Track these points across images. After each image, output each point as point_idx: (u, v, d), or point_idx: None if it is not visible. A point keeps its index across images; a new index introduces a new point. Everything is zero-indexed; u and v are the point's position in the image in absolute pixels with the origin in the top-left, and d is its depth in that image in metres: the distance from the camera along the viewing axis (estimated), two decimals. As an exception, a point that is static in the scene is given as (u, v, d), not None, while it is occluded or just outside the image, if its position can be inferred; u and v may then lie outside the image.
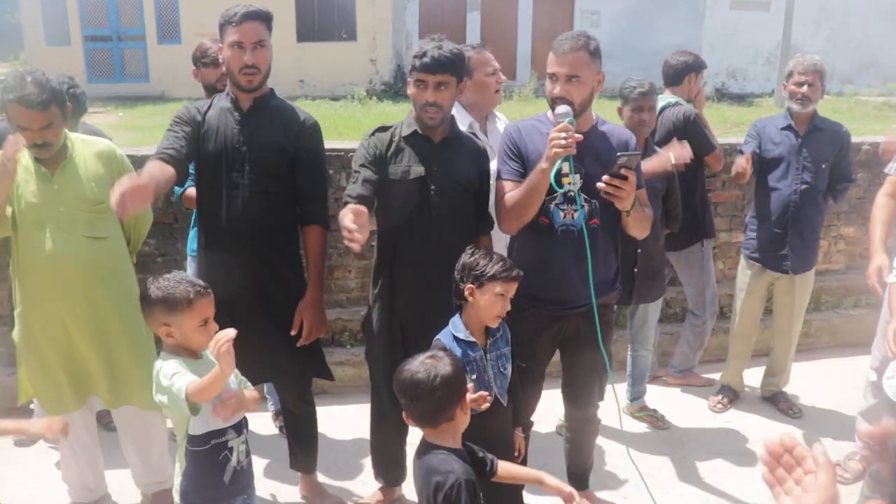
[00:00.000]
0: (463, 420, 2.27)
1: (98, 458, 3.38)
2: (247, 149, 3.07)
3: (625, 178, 2.72)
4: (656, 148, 3.94)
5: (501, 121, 3.72)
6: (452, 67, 2.91)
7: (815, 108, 4.19)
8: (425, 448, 2.26)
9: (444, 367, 2.20)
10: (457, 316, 2.69)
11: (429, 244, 3.00)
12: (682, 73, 4.53)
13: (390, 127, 3.12)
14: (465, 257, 2.67)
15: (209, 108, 3.16)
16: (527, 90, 17.64)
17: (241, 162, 3.07)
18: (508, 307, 2.66)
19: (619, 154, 2.76)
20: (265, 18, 3.07)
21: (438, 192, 2.99)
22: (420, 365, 2.21)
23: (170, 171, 2.91)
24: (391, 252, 3.10)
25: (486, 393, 2.54)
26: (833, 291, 5.76)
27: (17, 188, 2.97)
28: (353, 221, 2.53)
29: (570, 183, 2.80)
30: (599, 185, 2.75)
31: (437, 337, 2.67)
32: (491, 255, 2.66)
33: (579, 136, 2.73)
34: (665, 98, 4.44)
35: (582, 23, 21.80)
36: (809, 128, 4.16)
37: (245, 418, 2.58)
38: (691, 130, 4.21)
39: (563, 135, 2.68)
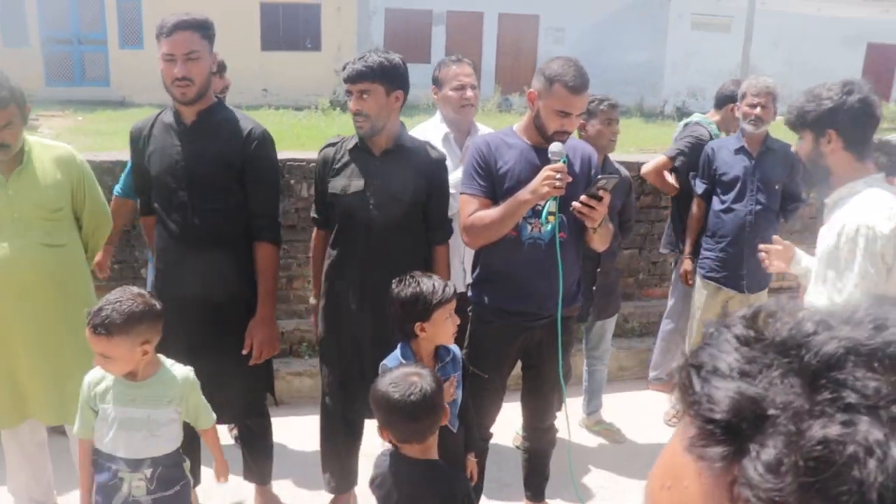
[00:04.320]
0: (434, 441, 2.26)
1: (45, 469, 3.30)
2: (191, 165, 3.00)
3: (600, 198, 2.76)
4: (616, 164, 3.99)
5: (482, 132, 3.72)
6: (372, 75, 2.91)
7: (766, 130, 4.28)
8: (410, 463, 2.23)
9: (429, 383, 2.17)
10: (404, 344, 2.61)
11: (370, 257, 3.01)
12: (722, 100, 4.64)
13: (339, 141, 3.14)
14: (399, 294, 2.54)
15: (153, 126, 3.09)
16: (490, 104, 17.78)
17: (186, 179, 3.00)
18: (458, 320, 2.65)
19: (599, 177, 2.81)
20: (199, 27, 2.94)
21: (378, 206, 2.98)
22: (408, 385, 2.15)
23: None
24: (336, 264, 3.11)
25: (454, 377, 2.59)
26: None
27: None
28: None
29: (553, 221, 2.84)
30: (575, 204, 2.78)
31: (384, 363, 2.61)
32: (419, 280, 2.55)
33: (570, 178, 2.77)
34: (696, 116, 4.60)
35: (546, 39, 22.10)
36: (762, 149, 4.25)
37: (160, 467, 2.51)
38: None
39: (559, 175, 2.71)
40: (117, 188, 3.87)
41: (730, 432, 0.51)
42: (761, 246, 3.02)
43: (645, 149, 11.80)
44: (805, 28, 22.42)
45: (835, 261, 2.53)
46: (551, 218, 2.85)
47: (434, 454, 2.25)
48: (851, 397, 0.49)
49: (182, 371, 2.55)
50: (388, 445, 2.34)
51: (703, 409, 0.53)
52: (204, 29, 2.96)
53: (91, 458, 2.57)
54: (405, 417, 2.16)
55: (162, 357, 2.57)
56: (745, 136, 4.26)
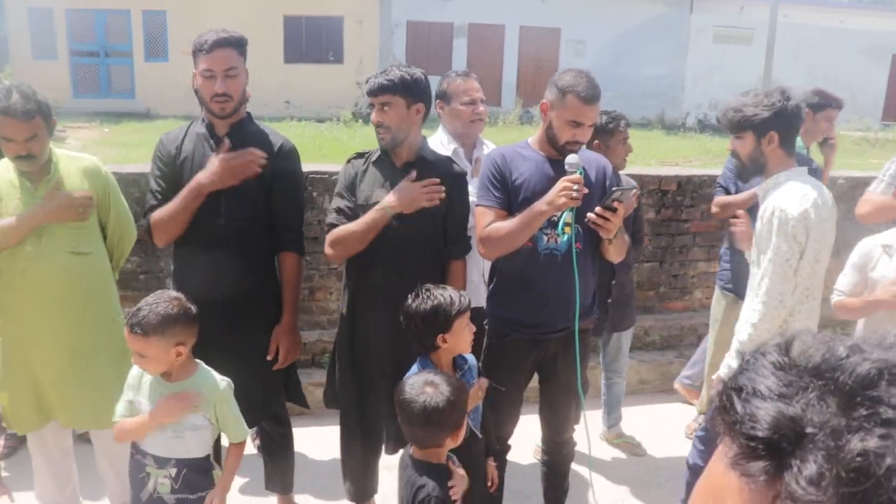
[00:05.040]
0: (450, 446, 2.31)
1: (70, 476, 3.34)
2: None
3: (615, 210, 2.78)
4: (623, 177, 3.99)
5: (488, 147, 3.74)
6: (393, 88, 2.96)
7: None
8: (411, 462, 2.30)
9: (439, 400, 2.19)
10: (424, 358, 2.63)
11: (388, 267, 3.03)
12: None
13: (366, 153, 3.19)
14: (418, 308, 2.55)
15: (185, 136, 3.16)
16: (511, 117, 17.85)
17: (217, 190, 3.06)
18: (474, 328, 2.67)
19: (614, 189, 2.83)
20: (237, 45, 3.03)
21: (398, 218, 3.01)
22: (419, 393, 2.20)
23: None
24: (355, 274, 3.14)
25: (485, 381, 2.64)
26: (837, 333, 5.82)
27: (1, 201, 2.97)
28: None
29: (569, 232, 2.86)
30: (590, 215, 2.80)
31: (405, 378, 2.62)
32: (434, 293, 2.57)
33: (586, 190, 2.79)
34: None
35: (567, 52, 22.12)
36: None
37: (185, 468, 2.55)
38: None
39: (576, 186, 2.74)
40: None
41: (771, 449, 0.54)
42: (732, 229, 3.37)
43: (666, 161, 11.78)
44: (827, 40, 22.30)
45: (759, 242, 2.91)
46: (567, 229, 2.87)
47: (434, 459, 2.29)
48: (888, 412, 0.52)
49: (215, 380, 2.58)
50: None
51: (746, 427, 0.56)
52: (241, 46, 3.05)
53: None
54: (406, 420, 2.24)
55: (202, 364, 2.61)
56: None
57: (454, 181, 3.12)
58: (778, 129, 2.87)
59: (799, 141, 4.58)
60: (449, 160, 3.23)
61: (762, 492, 0.55)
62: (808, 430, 0.53)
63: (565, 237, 2.90)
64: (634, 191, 2.99)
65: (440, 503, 2.20)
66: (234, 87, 3.02)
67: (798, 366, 0.59)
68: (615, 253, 3.04)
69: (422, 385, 2.23)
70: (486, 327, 3.14)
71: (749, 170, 3.02)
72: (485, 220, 2.97)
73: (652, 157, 12.19)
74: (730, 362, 3.03)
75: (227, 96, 3.01)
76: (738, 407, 0.58)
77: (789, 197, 2.83)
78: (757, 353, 0.62)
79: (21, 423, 3.14)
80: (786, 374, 0.58)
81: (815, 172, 4.29)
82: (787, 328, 2.85)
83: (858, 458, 0.50)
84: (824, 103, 4.57)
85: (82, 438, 3.62)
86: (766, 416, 0.55)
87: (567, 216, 2.83)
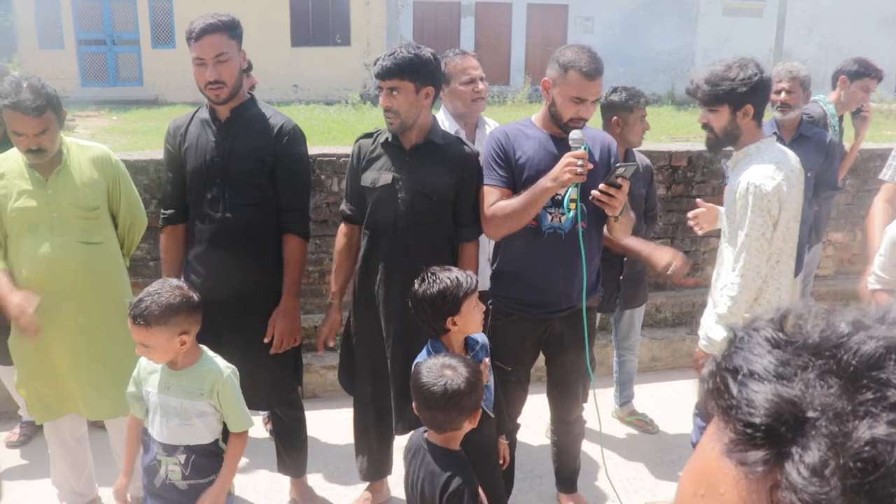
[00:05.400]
0: (467, 429, 2.29)
1: (86, 463, 3.38)
2: (225, 161, 3.07)
3: (619, 186, 2.75)
4: (636, 154, 3.96)
5: (491, 126, 3.72)
6: (401, 72, 2.90)
7: (800, 115, 4.21)
8: (428, 447, 2.28)
9: (459, 382, 2.18)
10: (434, 340, 2.62)
11: (396, 250, 3.03)
12: (835, 75, 4.54)
13: (375, 133, 3.16)
14: (426, 293, 2.54)
15: (190, 123, 3.16)
16: (520, 95, 17.74)
17: (220, 174, 3.07)
18: (483, 307, 2.67)
19: (618, 164, 2.81)
20: (226, 28, 2.97)
21: (406, 201, 3.00)
22: (438, 377, 2.19)
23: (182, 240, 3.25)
24: (365, 257, 3.15)
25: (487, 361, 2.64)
26: (822, 297, 5.80)
27: (11, 193, 2.98)
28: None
29: (575, 208, 2.83)
30: (594, 192, 2.78)
31: (417, 361, 2.61)
32: (440, 276, 2.56)
33: (591, 165, 2.76)
34: (819, 95, 4.49)
35: (575, 28, 21.93)
36: (795, 136, 4.18)
37: (194, 454, 2.56)
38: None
39: (580, 162, 2.71)
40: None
41: (770, 436, 0.51)
42: (689, 214, 3.33)
43: (676, 137, 11.70)
44: (840, 10, 21.97)
45: (732, 216, 2.96)
46: (573, 206, 2.85)
47: (454, 446, 2.28)
48: None
49: (217, 366, 2.58)
50: None
51: (743, 413, 0.53)
52: (231, 29, 3.00)
53: (138, 436, 2.66)
54: (425, 405, 2.21)
55: (206, 350, 2.61)
56: (776, 123, 4.20)
57: (465, 163, 3.08)
58: (753, 101, 2.90)
59: (831, 108, 4.53)
60: (459, 141, 3.20)
61: (759, 481, 0.52)
62: (809, 413, 0.50)
63: (570, 214, 2.88)
64: (636, 167, 2.96)
65: (472, 497, 2.18)
66: (226, 73, 2.98)
67: (794, 342, 0.55)
68: (621, 230, 3.03)
69: (440, 368, 2.21)
70: (490, 307, 3.13)
71: (721, 141, 3.01)
72: (490, 199, 2.95)
73: (662, 133, 12.10)
74: (709, 333, 3.03)
75: (220, 83, 2.97)
76: (734, 390, 0.54)
77: (763, 173, 2.85)
78: (750, 329, 0.58)
79: (41, 412, 3.17)
80: (782, 351, 0.55)
81: (832, 145, 4.25)
82: (760, 293, 2.94)
83: (867, 448, 0.47)
84: (862, 72, 4.49)
85: (96, 425, 3.65)
86: (764, 400, 0.52)
87: (572, 192, 2.81)
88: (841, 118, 4.65)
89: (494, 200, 2.94)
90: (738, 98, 2.87)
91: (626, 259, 3.94)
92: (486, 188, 2.99)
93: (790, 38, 18.83)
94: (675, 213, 5.32)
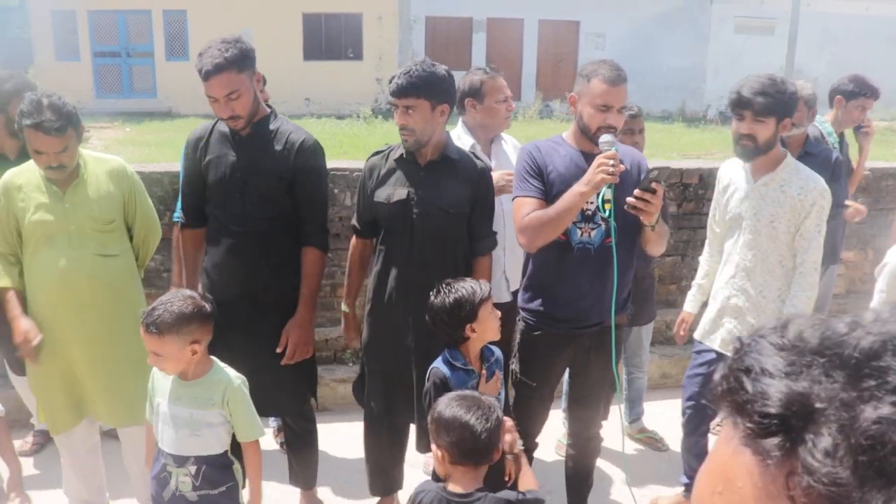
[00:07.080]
0: (483, 470, 2.23)
1: (97, 473, 3.39)
2: (245, 177, 3.10)
3: (654, 191, 2.75)
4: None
5: (507, 142, 3.77)
6: (416, 91, 2.91)
7: (805, 133, 4.21)
8: (451, 496, 2.17)
9: (497, 415, 2.15)
10: (453, 348, 2.66)
11: (412, 266, 3.04)
12: (831, 94, 4.53)
13: (386, 150, 3.18)
14: (442, 304, 2.58)
15: (211, 133, 3.20)
16: (531, 111, 17.76)
17: (239, 190, 3.10)
18: (499, 314, 2.69)
19: (651, 169, 2.83)
20: (234, 64, 2.96)
21: (421, 216, 3.02)
22: (470, 409, 2.11)
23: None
24: (380, 272, 3.16)
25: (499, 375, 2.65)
26: (833, 316, 5.77)
27: (29, 207, 3.02)
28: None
29: (610, 209, 2.84)
30: (629, 199, 2.76)
31: (434, 366, 2.67)
32: (454, 286, 2.59)
33: (623, 166, 2.78)
34: (818, 118, 4.47)
35: (587, 45, 22.00)
36: (801, 153, 4.18)
37: (204, 465, 2.57)
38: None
39: (612, 162, 2.72)
40: (178, 216, 3.64)
41: (784, 425, 0.55)
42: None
43: (687, 154, 11.70)
44: (851, 29, 21.99)
45: (780, 217, 3.12)
46: (608, 205, 2.84)
47: (479, 483, 2.21)
48: None
49: (228, 375, 2.59)
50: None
51: (758, 405, 0.57)
52: (239, 63, 2.98)
53: (155, 442, 2.68)
54: (473, 437, 2.09)
55: (216, 360, 2.63)
56: (782, 141, 4.21)
57: (478, 177, 3.10)
58: (792, 115, 3.11)
59: (828, 127, 4.53)
60: (472, 155, 3.21)
61: (776, 469, 0.55)
62: (818, 405, 0.54)
63: (605, 213, 2.87)
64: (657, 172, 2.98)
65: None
66: (239, 107, 3.02)
67: (797, 346, 0.59)
68: (657, 241, 3.00)
69: (473, 401, 2.15)
70: (519, 322, 3.14)
71: (761, 151, 3.09)
72: (524, 210, 2.93)
73: (673, 150, 12.11)
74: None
75: (236, 117, 3.03)
76: (749, 386, 0.58)
77: (823, 182, 3.13)
78: (755, 336, 0.62)
79: (56, 424, 3.20)
80: (788, 353, 0.59)
81: (837, 162, 4.25)
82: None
83: (874, 426, 0.51)
84: (858, 91, 4.48)
85: (109, 435, 3.67)
86: (777, 392, 0.56)
87: (606, 193, 2.80)
88: (842, 135, 4.64)
89: (529, 211, 2.91)
90: (787, 110, 3.04)
91: (634, 275, 3.94)
92: (519, 199, 2.98)
93: (801, 56, 18.83)
94: (686, 231, 5.32)
